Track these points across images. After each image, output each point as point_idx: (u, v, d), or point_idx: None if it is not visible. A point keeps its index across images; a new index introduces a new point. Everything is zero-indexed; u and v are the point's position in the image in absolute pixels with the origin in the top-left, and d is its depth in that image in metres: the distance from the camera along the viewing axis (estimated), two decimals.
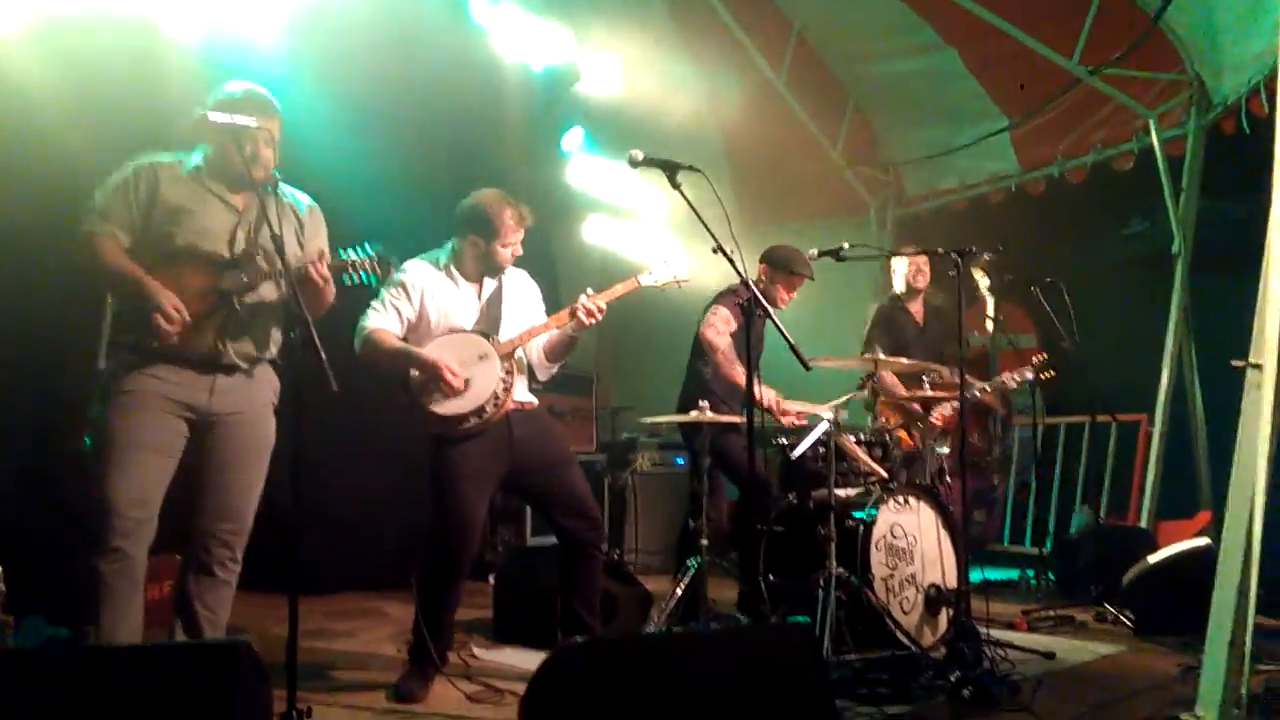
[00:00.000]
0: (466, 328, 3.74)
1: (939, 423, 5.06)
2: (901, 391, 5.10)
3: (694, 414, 4.25)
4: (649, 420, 4.69)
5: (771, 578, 4.17)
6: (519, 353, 3.78)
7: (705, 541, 4.12)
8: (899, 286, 5.60)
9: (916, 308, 5.59)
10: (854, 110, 8.10)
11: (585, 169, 7.51)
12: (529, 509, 6.14)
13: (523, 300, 3.96)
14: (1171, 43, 6.31)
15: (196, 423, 3.16)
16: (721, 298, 4.80)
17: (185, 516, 3.20)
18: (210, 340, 3.14)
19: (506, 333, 3.78)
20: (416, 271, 3.76)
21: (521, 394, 3.80)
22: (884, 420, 5.16)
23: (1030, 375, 5.25)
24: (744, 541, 4.46)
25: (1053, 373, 5.29)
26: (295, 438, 2.84)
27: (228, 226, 3.21)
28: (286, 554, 2.83)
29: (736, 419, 4.30)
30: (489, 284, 3.85)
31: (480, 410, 3.59)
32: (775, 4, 7.48)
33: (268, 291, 3.24)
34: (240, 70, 4.45)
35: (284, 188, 3.37)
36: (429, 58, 6.04)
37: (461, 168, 6.17)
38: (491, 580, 5.41)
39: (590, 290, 3.75)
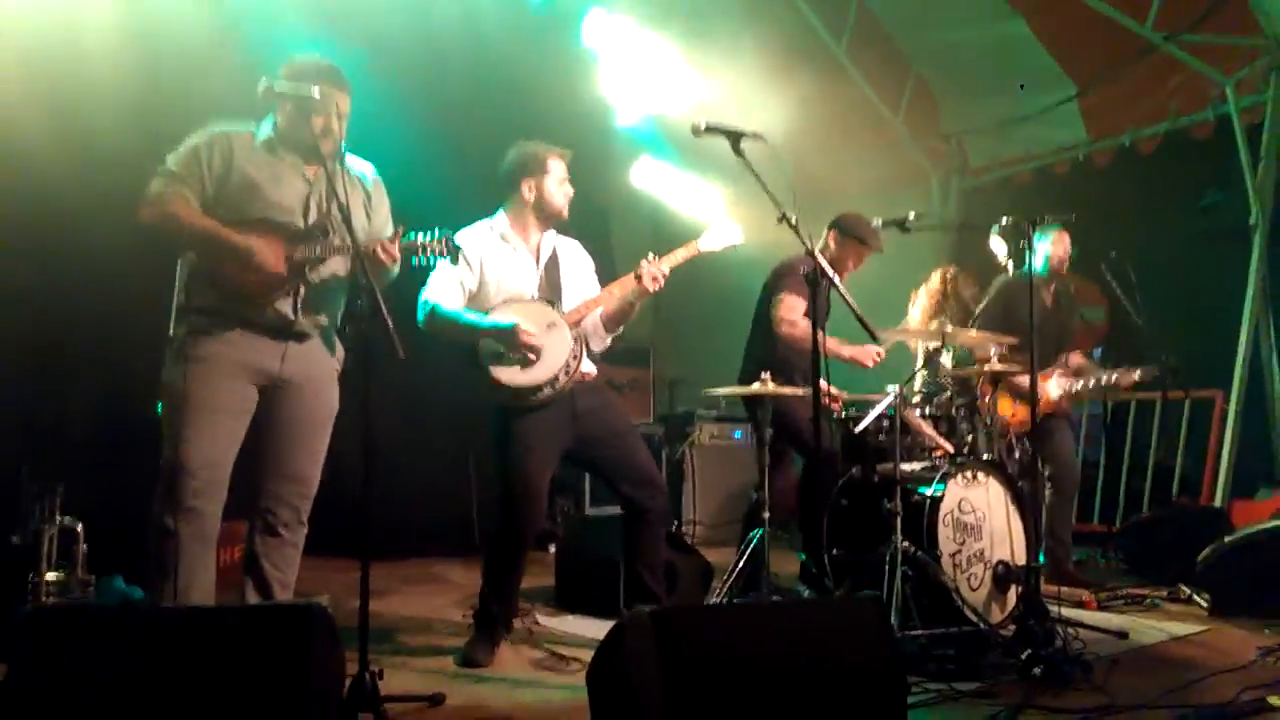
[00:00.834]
0: (526, 295, 3.72)
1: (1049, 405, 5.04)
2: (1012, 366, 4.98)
3: (756, 386, 4.19)
4: (711, 393, 4.64)
5: (835, 552, 4.12)
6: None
7: (767, 514, 4.07)
8: (1038, 265, 5.25)
9: (1047, 291, 5.35)
10: (916, 79, 7.92)
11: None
12: (587, 479, 6.13)
13: (579, 269, 3.95)
14: (1248, 6, 6.09)
15: (266, 388, 3.21)
16: (783, 279, 4.68)
17: (254, 481, 3.25)
18: (283, 308, 3.18)
19: (568, 301, 3.76)
20: (472, 238, 3.74)
21: (585, 364, 3.79)
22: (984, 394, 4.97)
23: (1147, 377, 5.12)
24: (807, 514, 4.41)
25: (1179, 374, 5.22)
26: (363, 405, 2.85)
27: (300, 197, 3.24)
28: (358, 519, 2.86)
29: (799, 390, 4.24)
30: (545, 249, 3.84)
31: (554, 380, 3.58)
32: None
33: (337, 263, 3.27)
34: (298, 36, 4.49)
35: (349, 159, 3.39)
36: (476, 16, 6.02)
37: (508, 122, 6.14)
38: (552, 550, 5.43)
39: (652, 254, 3.72)
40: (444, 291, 3.67)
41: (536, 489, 3.65)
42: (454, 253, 3.27)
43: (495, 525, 3.71)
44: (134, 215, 3.14)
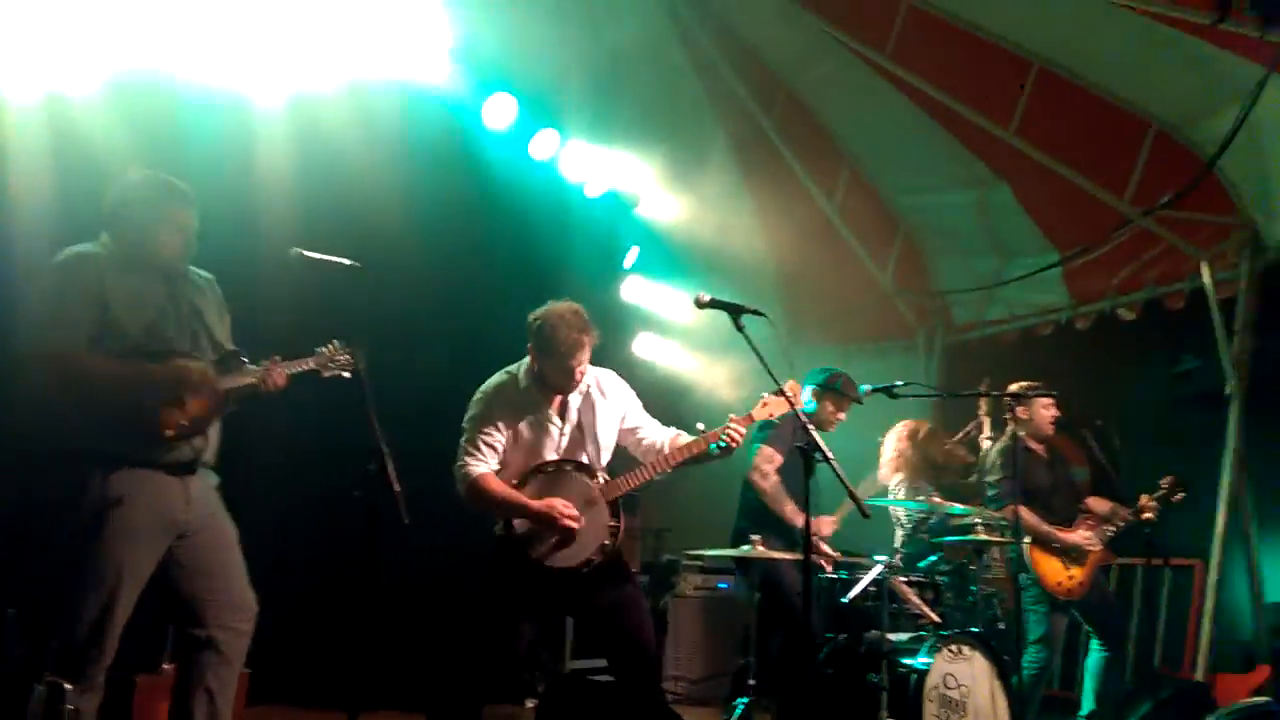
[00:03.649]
0: (551, 453, 3.59)
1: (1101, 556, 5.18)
2: (1044, 528, 5.06)
3: (745, 548, 4.24)
4: (700, 553, 4.68)
5: None
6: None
7: (754, 682, 4.07)
8: (1024, 430, 5.27)
9: (1043, 451, 5.41)
10: (905, 237, 8.20)
11: (639, 288, 7.71)
12: (570, 626, 6.07)
13: (614, 411, 3.76)
14: (1224, 186, 6.38)
15: (178, 538, 3.13)
16: (767, 431, 4.76)
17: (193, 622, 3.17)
18: (197, 444, 3.14)
19: (602, 443, 3.68)
20: (498, 396, 3.61)
21: None
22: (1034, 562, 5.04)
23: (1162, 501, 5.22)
24: (788, 683, 4.39)
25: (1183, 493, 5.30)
26: (369, 569, 2.86)
27: (174, 318, 3.17)
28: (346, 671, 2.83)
29: (790, 555, 4.28)
30: (572, 403, 3.66)
31: (588, 562, 3.50)
32: (830, 138, 7.66)
33: None
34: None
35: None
36: (494, 184, 6.26)
37: (524, 284, 6.31)
38: (529, 705, 5.34)
39: (733, 416, 3.70)
40: (481, 464, 3.51)
41: (513, 651, 3.52)
42: (356, 359, 3.22)
43: (451, 680, 3.52)
44: (31, 375, 3.01)
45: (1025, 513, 4.98)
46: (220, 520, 3.27)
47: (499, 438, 3.56)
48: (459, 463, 3.55)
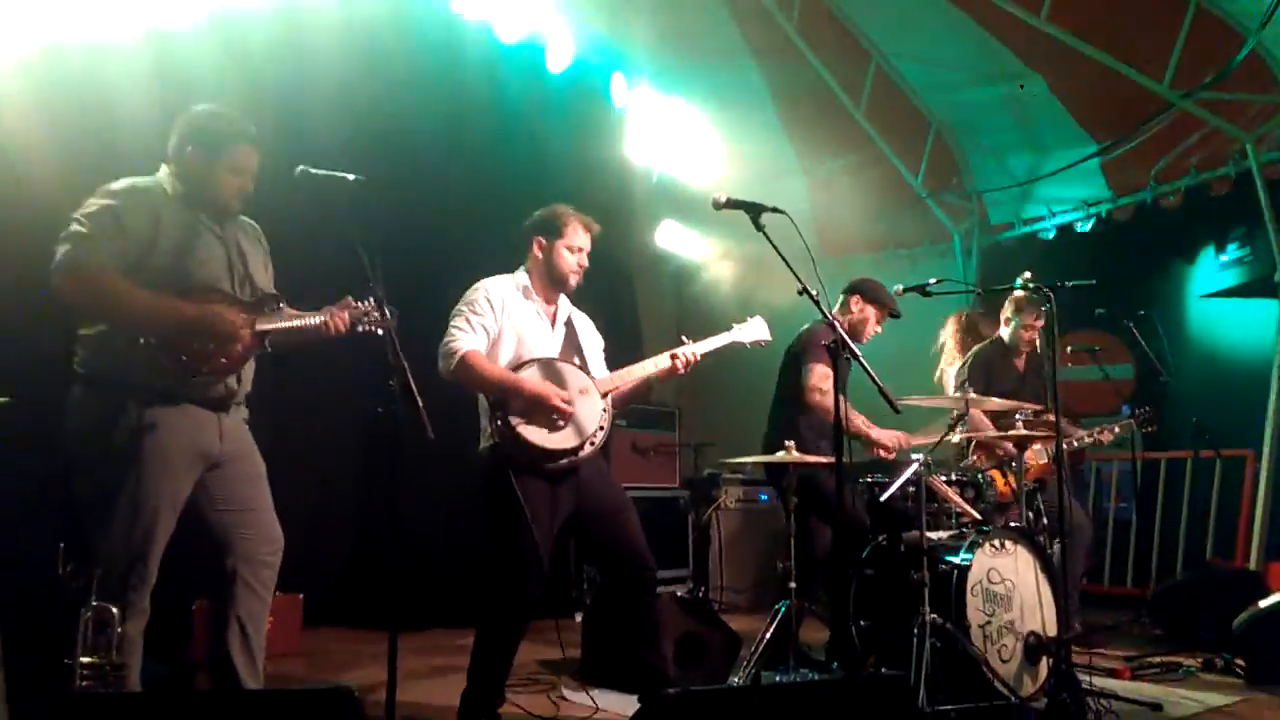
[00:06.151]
0: (544, 354, 3.63)
1: (1032, 470, 4.92)
2: (992, 431, 4.96)
3: (780, 454, 4.21)
4: (734, 461, 4.66)
5: (862, 623, 4.10)
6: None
7: (794, 585, 4.07)
8: (1005, 335, 5.27)
9: (1019, 360, 5.29)
10: (936, 138, 7.99)
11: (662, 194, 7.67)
12: None
13: (593, 342, 3.88)
14: (1267, 63, 6.14)
15: (209, 469, 3.16)
16: (814, 349, 4.67)
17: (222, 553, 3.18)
18: (232, 382, 3.15)
19: (588, 357, 3.75)
20: (497, 288, 3.67)
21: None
22: (976, 460, 5.01)
23: (1126, 431, 5.15)
24: (834, 584, 4.39)
25: (1154, 427, 5.16)
26: (391, 482, 2.87)
27: (222, 260, 3.17)
28: (384, 594, 2.85)
29: (823, 459, 4.25)
30: (561, 314, 3.77)
31: (580, 448, 3.52)
32: (854, 35, 7.44)
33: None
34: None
35: None
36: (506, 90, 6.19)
37: (530, 183, 6.27)
38: (579, 619, 5.42)
39: (686, 338, 3.74)
40: (472, 341, 3.54)
41: (538, 560, 3.47)
42: (390, 314, 3.13)
43: (490, 601, 3.54)
44: (52, 285, 2.93)
45: (978, 413, 4.90)
46: (251, 454, 3.29)
47: (491, 322, 3.60)
48: (446, 339, 3.54)
